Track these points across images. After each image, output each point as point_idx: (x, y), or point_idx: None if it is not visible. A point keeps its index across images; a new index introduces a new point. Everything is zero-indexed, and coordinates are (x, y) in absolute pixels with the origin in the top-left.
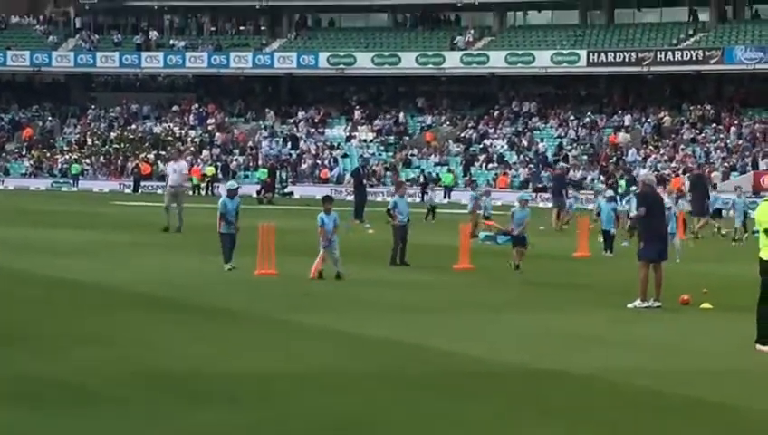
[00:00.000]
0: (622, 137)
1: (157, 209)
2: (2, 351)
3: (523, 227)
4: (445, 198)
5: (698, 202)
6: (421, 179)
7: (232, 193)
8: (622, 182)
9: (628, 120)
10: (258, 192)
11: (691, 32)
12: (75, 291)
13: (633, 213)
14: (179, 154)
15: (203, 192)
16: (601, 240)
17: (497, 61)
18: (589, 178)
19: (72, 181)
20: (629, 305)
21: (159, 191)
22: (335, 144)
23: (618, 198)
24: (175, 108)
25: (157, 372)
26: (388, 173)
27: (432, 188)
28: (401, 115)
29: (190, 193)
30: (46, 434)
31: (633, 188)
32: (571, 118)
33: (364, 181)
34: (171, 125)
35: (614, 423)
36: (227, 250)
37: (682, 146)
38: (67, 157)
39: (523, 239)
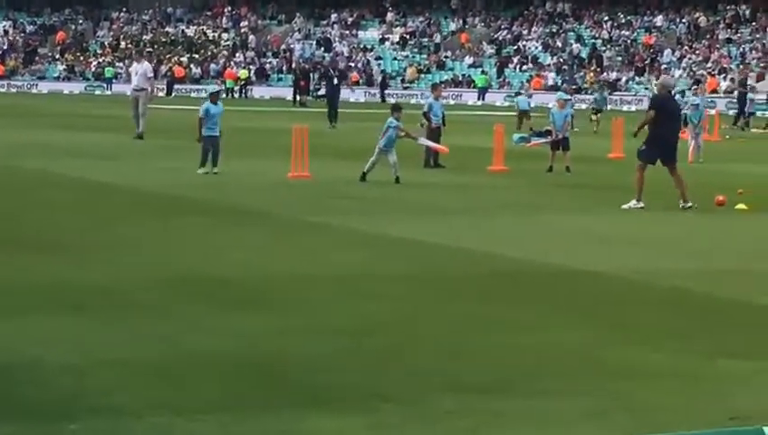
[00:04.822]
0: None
1: (191, 113)
2: (39, 258)
3: (564, 128)
4: (479, 99)
5: None
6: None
7: (214, 98)
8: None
9: (660, 20)
10: (294, 89)
11: None
12: (107, 195)
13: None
14: (141, 56)
15: (236, 95)
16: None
17: None
18: (624, 79)
19: (105, 85)
20: (624, 206)
21: (193, 95)
22: (368, 47)
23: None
24: (208, 12)
25: (191, 277)
26: (422, 75)
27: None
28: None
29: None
30: (90, 340)
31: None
32: (605, 19)
33: (335, 82)
34: (204, 28)
35: (645, 323)
36: (206, 154)
37: (717, 46)
38: (100, 60)
39: (566, 141)
